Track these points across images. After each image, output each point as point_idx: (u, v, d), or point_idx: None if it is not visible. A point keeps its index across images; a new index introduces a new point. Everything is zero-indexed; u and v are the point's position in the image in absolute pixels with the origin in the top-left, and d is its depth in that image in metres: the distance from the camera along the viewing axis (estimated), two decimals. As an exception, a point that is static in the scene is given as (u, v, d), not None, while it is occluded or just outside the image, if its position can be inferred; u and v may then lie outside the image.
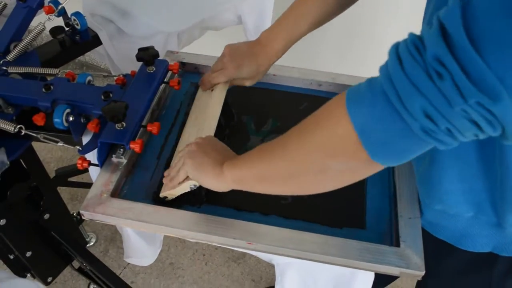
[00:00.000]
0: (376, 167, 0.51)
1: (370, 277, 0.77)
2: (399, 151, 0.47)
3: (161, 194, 0.78)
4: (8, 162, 0.85)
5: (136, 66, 0.92)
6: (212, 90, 0.93)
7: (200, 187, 0.74)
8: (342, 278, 0.79)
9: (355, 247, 0.71)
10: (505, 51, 0.36)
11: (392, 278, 1.21)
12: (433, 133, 0.43)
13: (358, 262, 0.70)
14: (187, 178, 0.73)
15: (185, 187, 0.74)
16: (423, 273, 0.69)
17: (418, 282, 0.97)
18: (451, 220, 0.72)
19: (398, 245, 0.73)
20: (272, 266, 1.11)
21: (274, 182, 0.61)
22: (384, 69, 0.45)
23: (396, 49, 0.44)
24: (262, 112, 0.97)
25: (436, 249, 0.77)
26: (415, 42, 0.42)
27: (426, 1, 0.70)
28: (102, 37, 1.11)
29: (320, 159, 0.53)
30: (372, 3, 1.46)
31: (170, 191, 0.76)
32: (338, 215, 0.79)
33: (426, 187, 0.72)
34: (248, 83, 0.90)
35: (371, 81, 0.47)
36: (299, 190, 0.61)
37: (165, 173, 0.79)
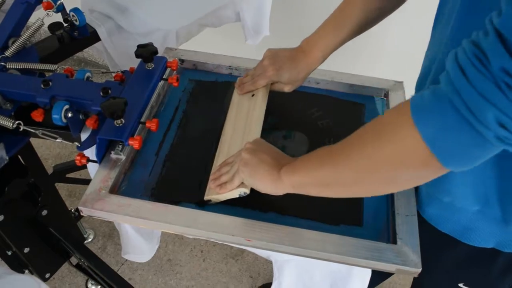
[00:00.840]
0: (445, 172, 0.51)
1: (367, 274, 0.78)
2: (472, 157, 0.48)
3: (206, 197, 0.78)
4: (7, 158, 0.86)
5: (135, 62, 0.92)
6: (252, 95, 0.92)
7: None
8: (339, 275, 0.79)
9: (352, 244, 0.72)
10: None
11: (388, 274, 1.22)
12: (508, 140, 0.44)
13: (355, 259, 0.70)
14: (240, 184, 0.73)
15: (234, 194, 0.75)
16: (419, 270, 0.70)
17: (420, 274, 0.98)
18: (457, 213, 0.73)
19: (395, 242, 0.73)
20: (270, 262, 1.11)
21: (337, 188, 0.62)
22: (446, 79, 0.46)
23: (455, 59, 0.45)
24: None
25: (436, 242, 0.78)
26: (475, 53, 0.42)
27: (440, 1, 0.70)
28: (101, 33, 1.10)
29: (388, 170, 0.54)
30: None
31: (217, 196, 0.76)
32: (335, 212, 0.79)
33: (437, 178, 0.73)
34: (287, 89, 0.90)
35: (435, 92, 0.48)
36: (361, 194, 0.64)
37: (212, 177, 0.79)
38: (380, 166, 0.54)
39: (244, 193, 0.74)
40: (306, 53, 0.86)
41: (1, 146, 0.83)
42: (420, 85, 0.78)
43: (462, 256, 0.79)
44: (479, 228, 0.72)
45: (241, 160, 0.72)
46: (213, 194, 0.77)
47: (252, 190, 0.77)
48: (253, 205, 0.79)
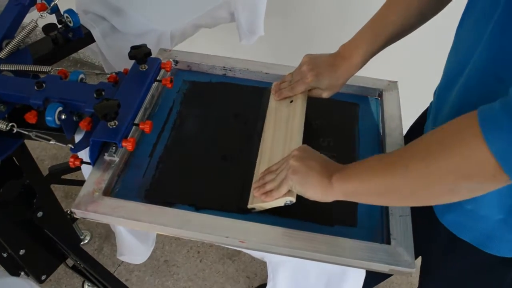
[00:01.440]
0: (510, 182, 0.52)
1: (361, 274, 0.78)
2: None
3: (250, 206, 0.77)
4: None
5: (129, 63, 0.91)
6: (291, 101, 0.91)
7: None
8: (333, 276, 0.79)
9: (345, 244, 0.72)
10: None
11: (386, 275, 1.22)
12: None
13: (349, 260, 0.70)
14: (287, 192, 0.72)
15: (280, 202, 0.74)
16: (413, 270, 0.70)
17: (424, 281, 0.97)
18: (479, 221, 0.72)
19: (388, 242, 0.73)
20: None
21: (393, 197, 0.62)
22: None
23: None
24: (254, 109, 0.97)
25: (453, 249, 0.78)
26: None
27: (466, 6, 0.69)
28: (95, 34, 1.10)
29: (451, 182, 0.54)
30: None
31: (262, 204, 0.76)
32: (330, 213, 0.79)
33: None
34: (325, 95, 0.89)
35: (506, 105, 0.47)
36: (417, 204, 0.62)
37: (255, 185, 0.78)
38: (443, 178, 0.54)
39: (290, 201, 0.73)
40: (346, 59, 0.85)
41: (-7, 148, 0.83)
42: (445, 90, 0.75)
43: (475, 264, 0.79)
44: (501, 237, 0.71)
45: (289, 168, 0.71)
46: (258, 202, 0.76)
47: (248, 196, 0.78)
48: (248, 209, 0.79)
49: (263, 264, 1.72)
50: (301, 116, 0.87)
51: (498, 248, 0.73)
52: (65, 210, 1.43)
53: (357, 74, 0.90)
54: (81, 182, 1.63)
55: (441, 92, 0.78)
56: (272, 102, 0.94)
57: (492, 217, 0.70)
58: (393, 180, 0.59)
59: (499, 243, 0.72)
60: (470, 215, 0.73)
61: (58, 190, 1.79)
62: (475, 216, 0.72)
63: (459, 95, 0.67)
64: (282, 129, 0.87)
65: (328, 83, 0.86)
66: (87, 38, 1.11)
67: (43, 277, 1.26)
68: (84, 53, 2.40)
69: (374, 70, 0.97)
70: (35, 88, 0.82)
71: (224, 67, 1.03)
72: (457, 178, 0.53)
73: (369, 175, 0.62)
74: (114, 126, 0.79)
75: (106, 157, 0.81)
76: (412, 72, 1.40)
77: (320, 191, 0.68)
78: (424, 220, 0.84)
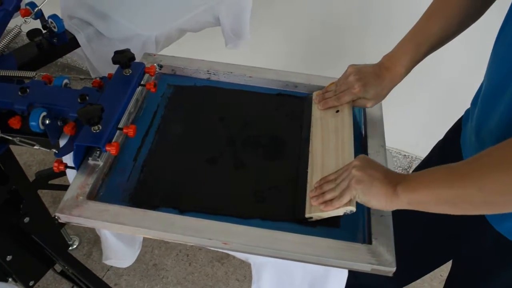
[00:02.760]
0: None
1: (344, 274, 0.79)
2: None
3: (308, 215, 0.78)
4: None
5: (115, 68, 0.92)
6: (337, 111, 0.92)
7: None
8: (317, 276, 0.80)
9: (328, 245, 0.72)
10: None
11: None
12: None
13: (331, 260, 0.71)
14: (347, 202, 0.73)
15: (340, 211, 0.75)
16: (393, 269, 0.71)
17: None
18: None
19: (370, 242, 0.74)
20: None
21: (463, 207, 0.62)
22: None
23: None
24: (238, 113, 0.98)
25: (507, 256, 0.78)
26: None
27: (504, 22, 0.70)
28: (80, 39, 1.11)
29: None
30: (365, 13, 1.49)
31: (320, 214, 0.76)
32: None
33: None
34: (370, 104, 0.90)
35: None
36: (488, 212, 0.65)
37: (312, 194, 0.79)
38: None
39: (351, 211, 0.74)
40: (390, 69, 0.87)
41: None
42: (492, 99, 0.75)
43: None
44: None
45: (352, 178, 0.72)
46: (317, 211, 0.77)
47: (231, 199, 0.79)
48: (232, 212, 0.79)
49: (252, 267, 1.73)
50: (350, 126, 0.88)
51: None
52: (53, 216, 1.43)
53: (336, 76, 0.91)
54: (68, 187, 1.63)
55: (487, 101, 0.77)
56: (316, 112, 0.95)
57: None
58: (465, 191, 0.60)
59: None
60: None
61: (46, 195, 1.78)
62: None
63: (510, 103, 0.67)
64: (332, 139, 0.88)
65: (374, 93, 0.88)
66: (72, 43, 1.11)
67: (31, 283, 1.26)
68: (72, 58, 2.40)
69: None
70: (19, 93, 0.82)
71: (208, 71, 1.04)
72: None
73: (439, 186, 0.63)
74: (97, 131, 0.79)
75: (90, 161, 0.82)
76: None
77: (384, 200, 0.69)
78: (470, 226, 0.85)
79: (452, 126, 0.97)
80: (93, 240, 1.78)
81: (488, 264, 0.86)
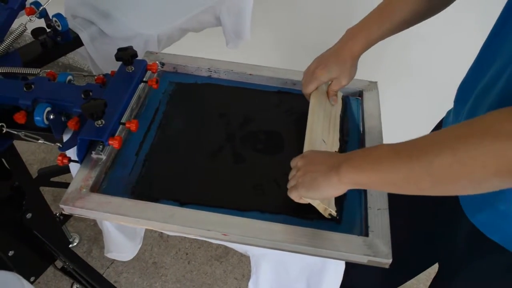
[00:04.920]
0: None
1: (341, 267, 0.80)
2: None
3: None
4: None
5: (117, 66, 0.94)
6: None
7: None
8: (314, 268, 0.82)
9: (325, 236, 0.74)
10: None
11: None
12: None
13: (328, 251, 0.73)
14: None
15: (325, 213, 0.78)
16: (389, 261, 0.72)
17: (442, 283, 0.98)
18: (511, 222, 0.71)
19: (367, 235, 0.76)
20: None
21: (409, 189, 0.60)
22: None
23: None
24: (238, 109, 1.00)
25: (481, 249, 0.78)
26: None
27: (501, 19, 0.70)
28: (84, 38, 1.13)
29: (480, 177, 0.52)
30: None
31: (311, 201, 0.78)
32: (311, 208, 0.81)
33: None
34: (344, 82, 0.91)
35: None
36: (435, 194, 0.60)
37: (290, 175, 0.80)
38: (471, 173, 0.52)
39: (330, 215, 0.78)
40: (348, 41, 0.88)
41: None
42: (480, 95, 0.72)
43: (504, 265, 0.78)
44: None
45: (297, 179, 0.73)
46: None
47: (231, 192, 0.82)
48: (232, 206, 0.81)
49: (250, 266, 1.73)
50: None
51: None
52: (55, 213, 1.45)
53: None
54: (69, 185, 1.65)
55: (478, 95, 0.74)
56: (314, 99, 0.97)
57: None
58: (413, 173, 0.57)
59: None
60: (503, 215, 0.71)
61: (47, 193, 1.80)
62: (508, 217, 0.71)
63: (498, 100, 0.66)
64: (320, 125, 0.91)
65: (337, 68, 0.88)
66: (76, 42, 1.13)
67: (32, 279, 1.28)
68: (73, 58, 2.42)
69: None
70: (24, 89, 0.84)
71: (209, 68, 1.06)
72: (488, 174, 0.51)
73: (385, 167, 0.61)
74: (101, 125, 0.81)
75: (93, 155, 0.84)
76: (391, 73, 1.44)
77: (332, 189, 0.69)
78: (447, 221, 0.85)
79: (435, 127, 0.97)
80: (93, 238, 1.79)
81: (461, 256, 0.86)
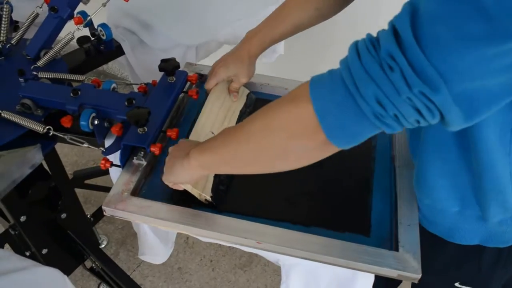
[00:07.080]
0: (331, 149, 0.56)
1: (370, 280, 0.82)
2: (352, 133, 0.53)
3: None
4: (43, 157, 0.91)
5: (155, 75, 0.98)
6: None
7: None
8: (344, 279, 0.83)
9: (356, 249, 0.76)
10: (442, 50, 0.43)
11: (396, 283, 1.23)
12: (382, 118, 0.49)
13: (358, 264, 0.75)
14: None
15: (195, 193, 0.82)
16: (419, 276, 0.74)
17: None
18: (440, 215, 0.78)
19: (397, 249, 0.77)
20: (278, 274, 1.11)
21: (238, 164, 0.68)
22: (344, 61, 0.52)
23: (355, 45, 0.50)
24: None
25: (428, 243, 0.82)
26: (371, 40, 0.49)
27: None
28: (125, 47, 1.17)
29: (282, 142, 0.58)
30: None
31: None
32: (342, 220, 0.83)
33: (417, 183, 0.78)
34: (243, 79, 0.99)
35: (332, 71, 0.53)
36: (259, 171, 0.67)
37: None
38: (275, 138, 0.59)
39: (206, 200, 0.83)
40: (246, 42, 0.96)
41: (38, 147, 0.88)
42: None
43: (451, 255, 0.84)
44: (462, 227, 0.77)
45: (166, 164, 0.79)
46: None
47: (265, 203, 0.84)
48: (265, 215, 0.84)
49: (273, 276, 1.75)
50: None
51: (461, 238, 0.79)
52: (86, 214, 1.49)
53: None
54: (101, 188, 1.70)
55: None
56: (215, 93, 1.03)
57: (449, 210, 0.75)
58: (238, 147, 0.64)
59: (461, 233, 0.78)
60: (431, 210, 0.79)
61: (78, 195, 1.85)
62: (434, 210, 0.78)
63: None
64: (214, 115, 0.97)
65: (235, 67, 0.97)
66: (117, 51, 1.18)
67: (62, 277, 1.31)
68: (108, 65, 2.49)
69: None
70: (71, 95, 0.88)
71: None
72: (286, 138, 0.57)
73: (219, 145, 0.67)
74: (143, 132, 0.85)
75: (135, 160, 0.87)
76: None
77: (185, 173, 0.75)
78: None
79: None
80: (121, 240, 1.83)
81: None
